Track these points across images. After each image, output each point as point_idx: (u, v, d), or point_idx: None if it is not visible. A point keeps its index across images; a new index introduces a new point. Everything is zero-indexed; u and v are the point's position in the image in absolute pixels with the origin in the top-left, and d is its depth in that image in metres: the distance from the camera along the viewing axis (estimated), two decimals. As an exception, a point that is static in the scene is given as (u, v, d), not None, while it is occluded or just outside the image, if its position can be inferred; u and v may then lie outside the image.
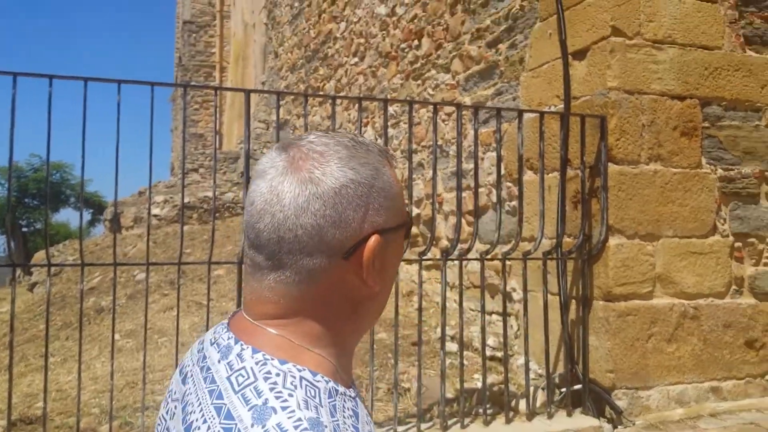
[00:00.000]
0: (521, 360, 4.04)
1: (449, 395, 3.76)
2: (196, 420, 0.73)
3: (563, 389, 3.81)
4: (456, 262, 3.88)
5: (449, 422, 3.53)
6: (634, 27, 3.90)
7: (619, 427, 3.62)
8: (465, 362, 3.87)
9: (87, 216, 30.41)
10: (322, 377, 0.74)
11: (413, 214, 6.28)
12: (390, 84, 7.21)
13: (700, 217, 3.99)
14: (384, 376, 4.26)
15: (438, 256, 4.41)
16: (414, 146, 6.26)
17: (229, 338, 0.80)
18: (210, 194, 11.87)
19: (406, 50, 6.82)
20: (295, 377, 0.72)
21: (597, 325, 3.80)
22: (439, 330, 4.04)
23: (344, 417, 0.72)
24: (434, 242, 5.00)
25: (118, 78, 3.23)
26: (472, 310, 5.14)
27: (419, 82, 6.50)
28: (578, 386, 3.78)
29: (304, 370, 0.74)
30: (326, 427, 0.68)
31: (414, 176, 6.36)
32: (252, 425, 0.67)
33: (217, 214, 11.40)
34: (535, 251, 3.85)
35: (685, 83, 4.01)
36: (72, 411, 3.83)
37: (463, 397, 3.61)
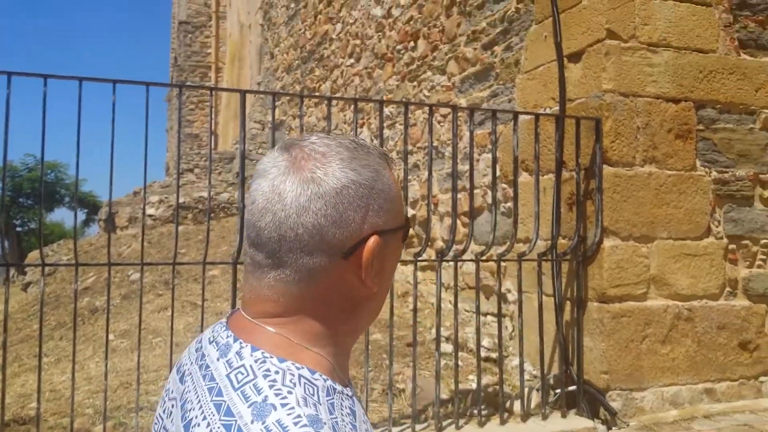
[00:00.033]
0: (516, 361, 4.05)
1: (444, 396, 3.76)
2: (196, 417, 0.73)
3: (558, 390, 3.82)
4: (451, 263, 3.88)
5: (444, 423, 3.53)
6: (629, 30, 3.92)
7: (613, 428, 3.63)
8: (460, 363, 3.87)
9: (81, 216, 30.35)
10: (321, 375, 0.75)
11: (409, 215, 6.29)
12: (386, 85, 7.22)
13: (694, 219, 4.01)
14: (379, 376, 4.27)
15: (433, 257, 4.41)
16: (410, 147, 6.27)
17: (227, 336, 0.80)
18: (205, 194, 11.85)
19: (401, 52, 6.83)
20: (294, 375, 0.73)
21: (591, 326, 3.81)
22: (433, 331, 4.05)
23: (342, 415, 0.73)
24: (429, 243, 5.01)
25: (114, 78, 3.22)
26: (467, 311, 5.15)
27: (415, 83, 6.51)
28: (573, 387, 3.79)
29: (303, 368, 0.74)
30: (325, 423, 0.68)
31: (409, 177, 6.37)
32: (252, 422, 0.67)
33: (212, 215, 11.40)
34: (530, 252, 3.86)
35: (679, 86, 4.02)
36: (66, 411, 3.82)
37: (457, 398, 3.61)
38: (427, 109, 4.12)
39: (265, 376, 0.72)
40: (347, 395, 0.77)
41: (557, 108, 4.13)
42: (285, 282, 0.77)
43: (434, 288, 3.83)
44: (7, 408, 3.40)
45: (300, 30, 10.85)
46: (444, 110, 5.76)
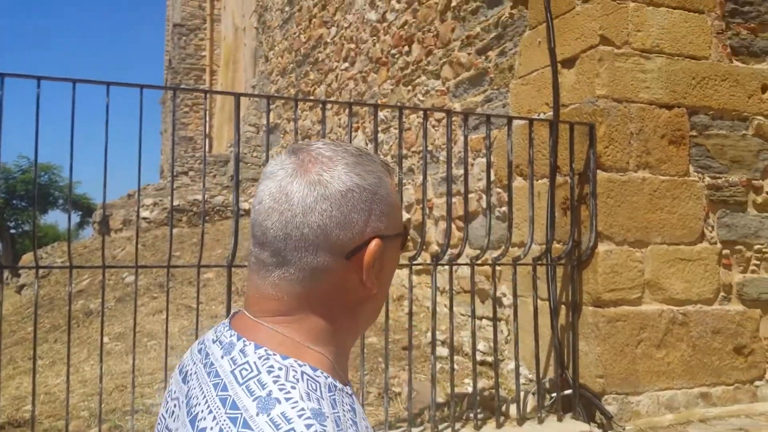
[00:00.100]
0: (511, 365, 4.06)
1: (440, 400, 3.77)
2: (202, 411, 0.75)
3: (554, 394, 3.84)
4: (446, 267, 3.90)
5: (440, 427, 3.55)
6: (622, 36, 3.95)
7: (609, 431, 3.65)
8: (455, 367, 3.89)
9: (75, 218, 30.23)
10: (322, 373, 0.77)
11: (404, 218, 6.30)
12: (380, 89, 7.24)
13: (688, 224, 4.03)
14: (374, 380, 4.28)
15: (428, 261, 4.43)
16: (404, 151, 6.29)
17: (231, 336, 0.82)
18: (200, 197, 11.85)
19: (396, 56, 6.85)
20: (296, 371, 0.75)
21: (587, 330, 3.83)
22: (429, 334, 4.06)
23: (343, 411, 0.75)
24: (424, 247, 5.03)
25: (108, 80, 3.22)
26: (463, 315, 5.16)
27: (409, 87, 6.53)
28: (568, 391, 3.81)
29: (305, 365, 0.77)
30: (328, 417, 0.71)
31: (404, 181, 6.39)
32: (257, 414, 0.70)
33: (206, 218, 11.37)
34: (525, 257, 3.88)
35: (672, 92, 4.06)
36: (61, 414, 3.82)
37: (453, 402, 3.62)
38: (421, 113, 4.13)
39: (269, 372, 0.74)
40: (347, 393, 0.79)
41: (551, 113, 4.16)
42: (289, 280, 0.79)
43: (429, 292, 3.85)
44: (1, 411, 3.40)
45: (294, 33, 10.87)
46: (438, 114, 5.78)
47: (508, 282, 4.25)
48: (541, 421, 3.69)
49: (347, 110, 3.67)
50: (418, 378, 4.19)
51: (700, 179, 4.10)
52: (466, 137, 3.83)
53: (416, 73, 6.38)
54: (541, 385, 3.83)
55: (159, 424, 0.87)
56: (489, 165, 3.86)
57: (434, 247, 5.75)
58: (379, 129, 6.94)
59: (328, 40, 9.14)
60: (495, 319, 3.84)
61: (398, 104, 6.39)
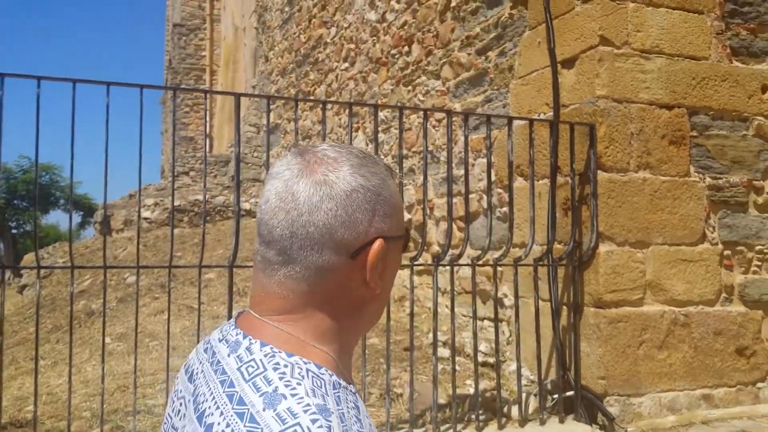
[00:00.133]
0: (513, 366, 4.07)
1: (441, 401, 3.78)
2: (209, 407, 0.77)
3: (555, 395, 3.84)
4: (447, 267, 3.90)
5: (441, 428, 3.55)
6: (622, 36, 3.95)
7: (610, 432, 3.65)
8: (457, 368, 3.90)
9: (77, 218, 30.22)
10: (326, 371, 0.79)
11: (404, 211, 6.30)
12: (380, 90, 7.24)
13: (689, 224, 4.04)
14: (376, 381, 4.28)
15: (429, 262, 4.44)
16: (405, 152, 6.29)
17: (237, 334, 0.84)
18: (201, 197, 11.85)
19: (396, 56, 6.86)
20: (302, 368, 0.77)
21: (588, 331, 3.83)
22: (431, 335, 4.07)
23: (348, 408, 0.76)
24: (425, 248, 5.03)
25: (108, 80, 3.23)
26: (464, 316, 5.17)
27: (410, 88, 6.54)
28: (570, 393, 3.81)
29: (310, 363, 0.78)
30: (332, 413, 0.72)
31: (405, 182, 6.39)
32: (264, 409, 0.71)
33: (207, 218, 11.39)
34: (526, 257, 3.88)
35: (672, 92, 4.06)
36: (63, 414, 3.82)
37: (455, 403, 3.63)
38: (421, 113, 4.14)
39: (275, 369, 0.76)
40: (351, 391, 0.80)
41: (551, 113, 4.16)
42: (294, 279, 0.81)
43: (431, 292, 3.86)
44: (3, 411, 3.40)
45: (294, 33, 10.87)
46: (439, 115, 5.79)
47: (510, 283, 4.25)
48: (542, 422, 3.69)
49: (347, 110, 3.68)
50: (420, 379, 4.20)
51: (700, 180, 4.11)
52: (466, 137, 3.84)
53: (416, 73, 6.39)
54: (542, 386, 3.83)
55: (165, 423, 0.89)
56: (489, 165, 3.87)
57: (435, 248, 5.76)
58: (380, 129, 6.94)
59: (328, 41, 9.15)
60: (496, 320, 3.84)
61: (398, 104, 6.39)
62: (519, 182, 4.47)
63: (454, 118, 5.15)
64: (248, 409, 0.72)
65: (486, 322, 4.89)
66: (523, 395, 3.78)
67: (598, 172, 3.86)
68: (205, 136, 3.55)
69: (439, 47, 5.94)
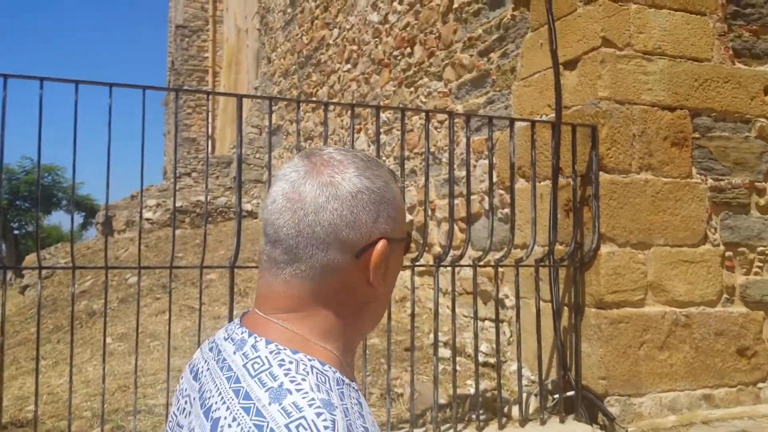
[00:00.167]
0: (514, 366, 4.07)
1: (442, 401, 3.78)
2: (216, 403, 0.78)
3: (556, 396, 3.84)
4: (448, 268, 3.90)
5: (442, 428, 3.55)
6: (624, 38, 3.95)
7: (610, 433, 3.65)
8: (458, 368, 3.90)
9: (79, 219, 30.27)
10: (330, 368, 0.80)
11: (406, 220, 6.30)
12: (383, 91, 7.25)
13: (691, 226, 4.03)
14: (377, 381, 4.28)
15: (431, 263, 4.43)
16: (406, 153, 6.30)
17: (242, 332, 0.86)
18: (203, 198, 11.86)
19: (398, 58, 6.86)
20: (306, 365, 0.79)
21: (589, 332, 3.83)
22: (431, 336, 4.06)
23: (351, 404, 0.78)
24: (427, 249, 5.03)
25: (110, 81, 3.24)
26: (465, 317, 5.16)
27: (412, 89, 6.54)
28: (571, 393, 3.81)
29: (314, 360, 0.80)
30: (337, 407, 0.74)
31: (407, 183, 6.39)
32: (270, 403, 0.73)
33: (209, 219, 11.40)
34: (528, 258, 3.88)
35: (675, 94, 4.06)
36: (63, 414, 3.83)
37: (455, 403, 3.63)
38: (423, 114, 4.14)
39: (280, 365, 0.78)
40: (354, 388, 0.82)
41: (553, 115, 4.16)
42: (300, 277, 0.83)
43: (432, 293, 3.86)
44: (4, 411, 3.41)
45: (297, 35, 10.88)
46: (441, 116, 5.79)
47: (511, 283, 4.25)
48: (543, 422, 3.69)
49: (349, 112, 3.68)
50: (421, 379, 4.19)
51: (702, 181, 4.10)
52: (468, 139, 3.84)
53: (418, 74, 6.39)
54: (543, 386, 3.83)
55: (170, 421, 0.91)
56: (491, 166, 3.87)
57: (437, 249, 5.76)
58: (382, 130, 6.95)
59: (331, 42, 9.16)
60: (497, 321, 3.84)
61: (400, 106, 6.39)
62: (521, 183, 4.47)
63: (456, 120, 5.15)
64: (254, 403, 0.74)
65: (487, 323, 4.89)
66: (524, 395, 3.77)
67: (600, 173, 3.86)
68: (207, 138, 3.56)
69: (441, 49, 5.94)
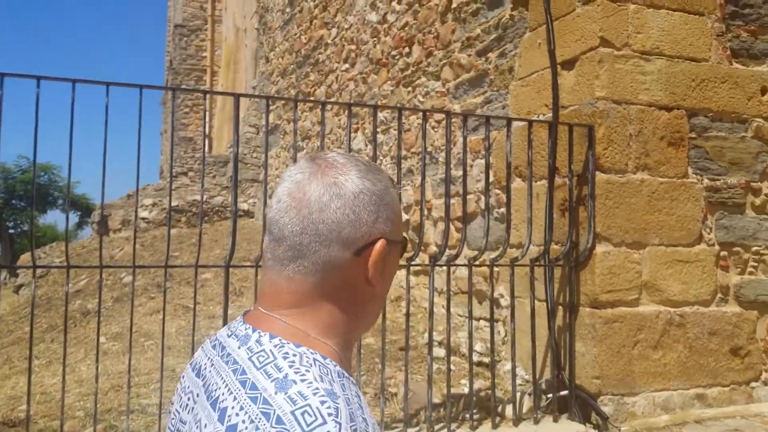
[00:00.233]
0: (508, 366, 4.06)
1: (436, 400, 3.77)
2: (222, 394, 0.82)
3: (550, 395, 3.83)
4: (444, 267, 3.89)
5: (436, 427, 3.54)
6: (622, 38, 3.94)
7: (604, 432, 3.64)
8: (452, 367, 3.88)
9: (74, 218, 30.21)
10: (331, 361, 0.85)
11: (402, 219, 6.29)
12: (380, 90, 7.24)
13: (686, 226, 4.03)
14: (371, 380, 4.27)
15: (426, 262, 4.42)
16: (403, 152, 6.28)
17: (246, 329, 0.90)
18: (199, 198, 11.84)
19: (396, 57, 6.85)
20: (309, 358, 0.83)
21: (583, 331, 3.82)
22: (426, 335, 4.05)
23: (351, 395, 0.82)
24: (423, 248, 5.02)
25: (108, 80, 3.22)
26: (460, 316, 5.15)
27: (409, 89, 6.53)
28: (565, 392, 3.81)
29: (316, 353, 0.84)
30: (339, 397, 0.78)
31: (403, 182, 6.38)
32: (276, 393, 0.77)
33: (205, 218, 11.38)
34: (523, 258, 3.87)
35: (672, 94, 4.05)
36: (56, 414, 3.81)
37: (450, 402, 3.62)
38: (421, 114, 4.13)
39: (285, 358, 0.82)
40: (353, 382, 0.86)
41: (550, 115, 4.15)
42: (303, 273, 0.87)
43: (427, 292, 3.85)
44: (-3, 410, 3.40)
45: (295, 34, 10.87)
46: (438, 116, 5.78)
47: (506, 283, 4.24)
48: (537, 421, 3.68)
49: (347, 111, 3.67)
50: (415, 378, 4.18)
51: (698, 181, 4.10)
52: (465, 138, 3.83)
53: (416, 74, 6.38)
54: (537, 385, 3.82)
55: (173, 418, 0.95)
56: (488, 166, 3.86)
57: (432, 248, 5.75)
58: (379, 130, 6.94)
59: (329, 42, 9.15)
60: (492, 320, 3.83)
61: (398, 105, 6.38)
62: (517, 183, 4.46)
63: (453, 119, 5.14)
64: (261, 393, 0.77)
65: (482, 322, 4.88)
66: (518, 394, 3.77)
67: (596, 173, 3.85)
68: (203, 137, 3.54)
69: (439, 48, 5.94)
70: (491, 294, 3.89)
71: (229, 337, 0.92)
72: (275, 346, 0.84)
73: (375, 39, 7.47)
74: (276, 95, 11.30)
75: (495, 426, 3.61)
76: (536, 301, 3.88)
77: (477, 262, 3.86)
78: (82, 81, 3.27)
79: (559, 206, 4.05)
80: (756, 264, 4.22)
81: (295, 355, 0.82)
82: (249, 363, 0.83)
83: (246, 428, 0.75)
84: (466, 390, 3.82)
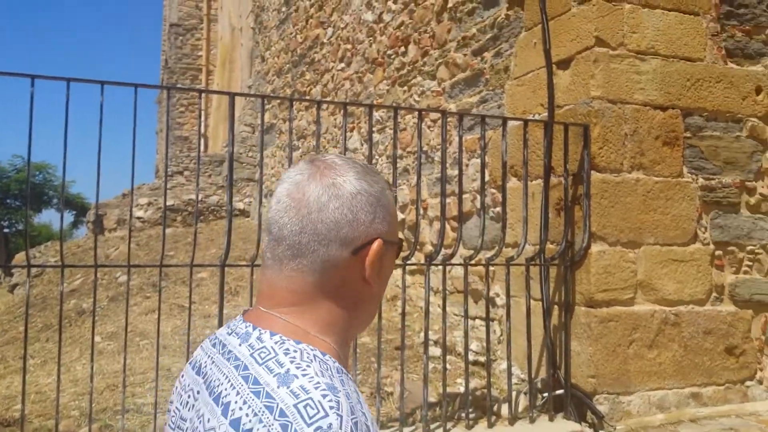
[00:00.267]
0: (504, 365, 4.06)
1: (432, 399, 3.77)
2: (225, 389, 0.84)
3: (545, 394, 3.84)
4: (440, 267, 3.89)
5: (432, 426, 3.54)
6: (617, 38, 3.95)
7: (600, 431, 3.65)
8: (448, 367, 3.89)
9: (70, 218, 30.14)
10: (330, 357, 0.87)
11: (398, 218, 6.29)
12: (376, 90, 7.24)
13: (681, 225, 4.04)
14: (367, 379, 4.27)
15: (422, 261, 4.42)
16: (399, 152, 6.29)
17: (246, 327, 0.92)
18: (194, 197, 11.81)
19: (392, 57, 6.85)
20: (309, 354, 0.85)
21: (579, 330, 3.83)
22: (422, 334, 4.06)
23: (351, 390, 0.83)
24: (418, 247, 5.02)
25: (103, 79, 3.21)
26: (456, 315, 5.16)
27: (405, 88, 6.53)
28: (560, 391, 3.81)
29: (316, 350, 0.86)
30: (340, 391, 0.80)
31: (399, 181, 6.38)
32: (278, 387, 0.79)
33: (201, 217, 11.36)
34: (518, 257, 3.88)
35: (667, 94, 4.06)
36: (51, 413, 3.80)
37: (445, 402, 3.62)
38: (416, 113, 4.13)
39: (286, 354, 0.84)
40: (351, 379, 0.87)
41: (546, 114, 4.16)
42: (302, 272, 0.89)
43: (423, 292, 3.84)
44: (-8, 410, 3.39)
45: (291, 34, 10.86)
46: (434, 115, 5.78)
47: (502, 282, 4.25)
48: (532, 420, 3.69)
49: (342, 110, 3.67)
50: (411, 378, 4.18)
51: (693, 180, 4.11)
52: (460, 138, 3.83)
53: (412, 73, 6.38)
54: (533, 384, 3.83)
55: (173, 416, 0.96)
56: (483, 165, 3.86)
57: (428, 248, 5.75)
58: (375, 129, 6.93)
59: (325, 41, 9.14)
60: (488, 319, 3.84)
61: (394, 105, 6.38)
62: (512, 182, 4.47)
63: (449, 119, 5.14)
64: (263, 387, 0.80)
65: (477, 322, 4.88)
66: (514, 394, 3.77)
67: (592, 172, 3.85)
68: (199, 136, 3.54)
69: (435, 48, 5.94)
70: (487, 293, 3.90)
71: (229, 335, 0.94)
72: (276, 342, 0.86)
73: (371, 38, 7.47)
74: (271, 94, 11.29)
75: (491, 425, 3.61)
76: (532, 301, 3.89)
77: (473, 262, 3.86)
78: (77, 80, 3.25)
79: (554, 205, 4.05)
80: (751, 263, 4.23)
81: (295, 351, 0.84)
82: (251, 359, 0.85)
83: (250, 421, 0.77)
84: (462, 389, 3.82)
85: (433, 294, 5.20)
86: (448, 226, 5.12)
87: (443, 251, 3.87)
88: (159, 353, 3.41)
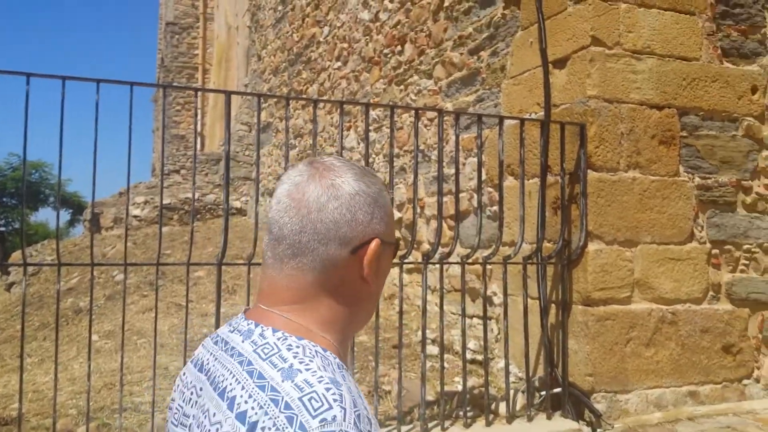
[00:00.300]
0: (501, 363, 4.07)
1: (429, 398, 3.78)
2: (230, 384, 0.86)
3: (543, 392, 3.85)
4: (437, 265, 3.90)
5: (429, 425, 3.55)
6: (613, 37, 3.96)
7: (598, 430, 3.66)
8: (445, 365, 3.90)
9: (66, 216, 30.07)
10: (331, 353, 0.89)
11: (395, 217, 6.30)
12: (373, 89, 7.24)
13: (677, 224, 4.05)
14: (365, 378, 4.28)
15: (419, 260, 4.43)
16: (396, 150, 6.29)
17: (248, 324, 0.94)
18: (191, 195, 11.80)
19: (389, 55, 6.85)
20: (311, 350, 0.87)
21: (576, 329, 3.84)
22: (419, 333, 4.06)
23: (351, 385, 0.86)
24: (415, 246, 5.03)
25: (99, 77, 3.21)
26: (453, 314, 5.17)
27: (402, 87, 6.53)
28: (558, 390, 3.82)
29: (317, 346, 0.89)
30: (342, 385, 0.82)
31: (396, 180, 6.39)
32: (282, 381, 0.81)
33: (198, 216, 11.35)
34: (516, 256, 3.89)
35: (663, 93, 4.07)
36: (48, 412, 3.79)
37: (443, 400, 3.63)
38: (413, 112, 4.14)
39: (289, 349, 0.86)
40: (351, 375, 0.90)
41: (542, 113, 4.17)
42: (302, 270, 0.91)
43: (420, 290, 3.85)
44: (-11, 408, 3.39)
45: (287, 32, 10.85)
46: (430, 114, 5.79)
47: (499, 281, 4.26)
48: (530, 419, 3.70)
49: (339, 109, 3.67)
50: (408, 376, 4.19)
51: (689, 179, 4.12)
52: (457, 137, 3.84)
53: (409, 72, 6.38)
54: (530, 383, 3.84)
55: (176, 413, 0.98)
56: (480, 164, 3.87)
57: (425, 246, 5.76)
58: (371, 128, 6.94)
59: (321, 40, 9.13)
60: (485, 318, 3.84)
61: (390, 103, 6.38)
62: (509, 181, 4.47)
63: (445, 118, 5.15)
64: (268, 381, 0.82)
65: (475, 320, 4.89)
66: (511, 392, 3.78)
67: (588, 171, 3.87)
68: (195, 134, 3.54)
69: (431, 47, 5.94)
70: (484, 292, 3.91)
71: (231, 332, 0.96)
72: (279, 339, 0.88)
73: (367, 37, 7.47)
74: (268, 93, 11.28)
75: (488, 423, 3.62)
76: (529, 299, 3.90)
77: (470, 260, 3.87)
78: (72, 78, 3.25)
79: (551, 204, 4.06)
80: (747, 262, 4.25)
81: (298, 347, 0.86)
82: (254, 355, 0.87)
83: (255, 414, 0.79)
84: (460, 387, 3.83)
85: (431, 292, 5.21)
86: (445, 225, 5.13)
87: (440, 250, 3.88)
88: (156, 352, 3.41)
